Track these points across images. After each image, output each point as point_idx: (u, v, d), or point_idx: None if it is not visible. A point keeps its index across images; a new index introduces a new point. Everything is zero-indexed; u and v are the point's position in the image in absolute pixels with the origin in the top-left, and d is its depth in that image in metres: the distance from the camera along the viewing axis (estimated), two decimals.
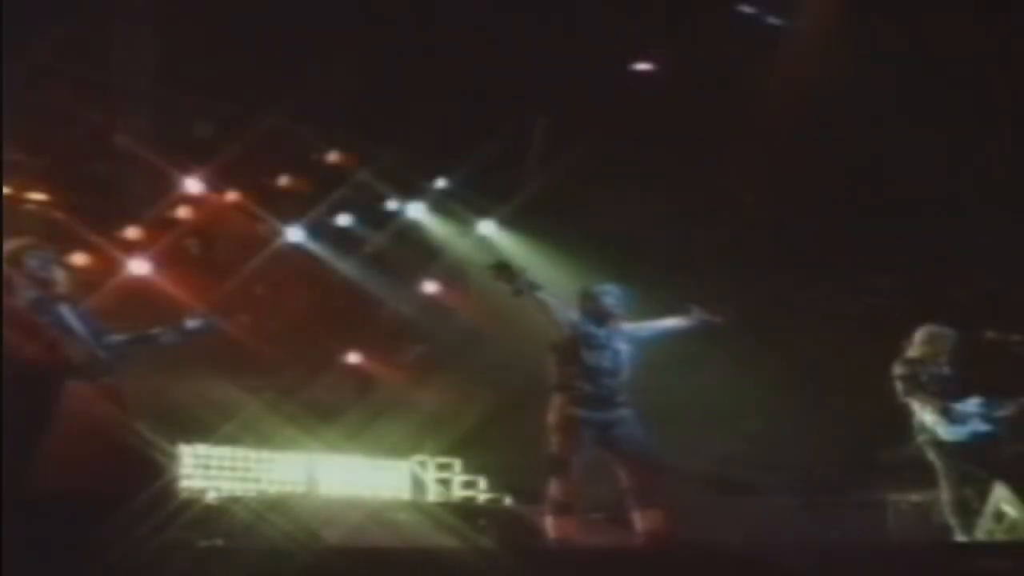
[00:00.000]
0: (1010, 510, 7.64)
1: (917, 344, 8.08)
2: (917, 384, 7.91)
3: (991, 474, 7.84)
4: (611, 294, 7.06)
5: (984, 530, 7.76)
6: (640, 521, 6.70)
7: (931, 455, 7.90)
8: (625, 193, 11.36)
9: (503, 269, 6.72)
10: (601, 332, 6.93)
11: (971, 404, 7.86)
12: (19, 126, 9.63)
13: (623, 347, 6.97)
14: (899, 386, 7.95)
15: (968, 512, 7.73)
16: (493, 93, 10.17)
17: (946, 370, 8.00)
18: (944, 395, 7.87)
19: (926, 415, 7.86)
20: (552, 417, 6.85)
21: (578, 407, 6.76)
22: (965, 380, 7.99)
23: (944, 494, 7.82)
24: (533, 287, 6.75)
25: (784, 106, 10.75)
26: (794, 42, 10.19)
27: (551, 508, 6.75)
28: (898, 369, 7.99)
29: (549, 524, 6.76)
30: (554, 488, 6.73)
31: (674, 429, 10.92)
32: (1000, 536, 7.59)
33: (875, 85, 10.03)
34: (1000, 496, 7.74)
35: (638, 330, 7.14)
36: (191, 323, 6.36)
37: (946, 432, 7.79)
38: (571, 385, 6.82)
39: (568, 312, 6.93)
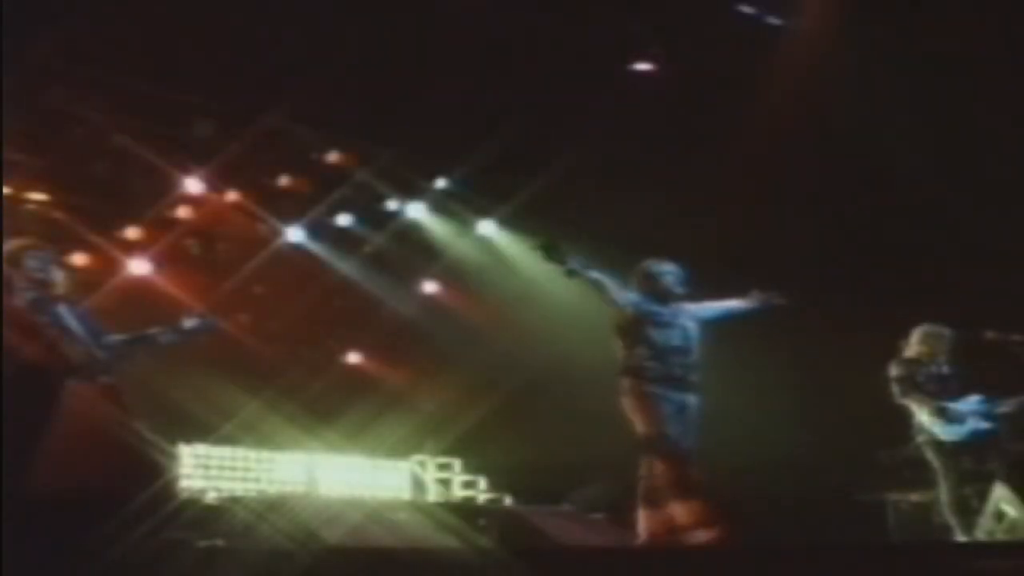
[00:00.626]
0: (1010, 510, 7.64)
1: (914, 344, 8.08)
2: (913, 384, 7.91)
3: (991, 474, 7.85)
4: (671, 272, 6.84)
5: (984, 530, 7.76)
6: (682, 516, 6.42)
7: (930, 455, 7.90)
8: (625, 193, 11.35)
9: (551, 249, 6.46)
10: (666, 310, 6.68)
11: (969, 403, 7.87)
12: (19, 126, 9.63)
13: (690, 325, 6.73)
14: (895, 387, 7.95)
15: (968, 512, 7.72)
16: (493, 93, 10.16)
17: (945, 370, 7.99)
18: (942, 395, 7.87)
19: (923, 415, 7.87)
20: (627, 401, 6.62)
21: (653, 385, 6.51)
22: (964, 379, 7.99)
23: (944, 494, 7.82)
24: (585, 266, 6.54)
25: (784, 106, 10.74)
26: (794, 42, 10.18)
27: (646, 496, 6.44)
28: (894, 370, 7.99)
29: (641, 514, 6.45)
30: (654, 470, 6.42)
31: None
32: (1000, 536, 7.59)
33: (875, 85, 10.02)
34: (1000, 496, 7.74)
35: (701, 310, 6.88)
36: (189, 323, 6.36)
37: (944, 432, 7.79)
38: (642, 366, 6.58)
39: (626, 292, 6.70)
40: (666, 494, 6.34)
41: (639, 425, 6.54)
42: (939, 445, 7.82)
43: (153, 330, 6.31)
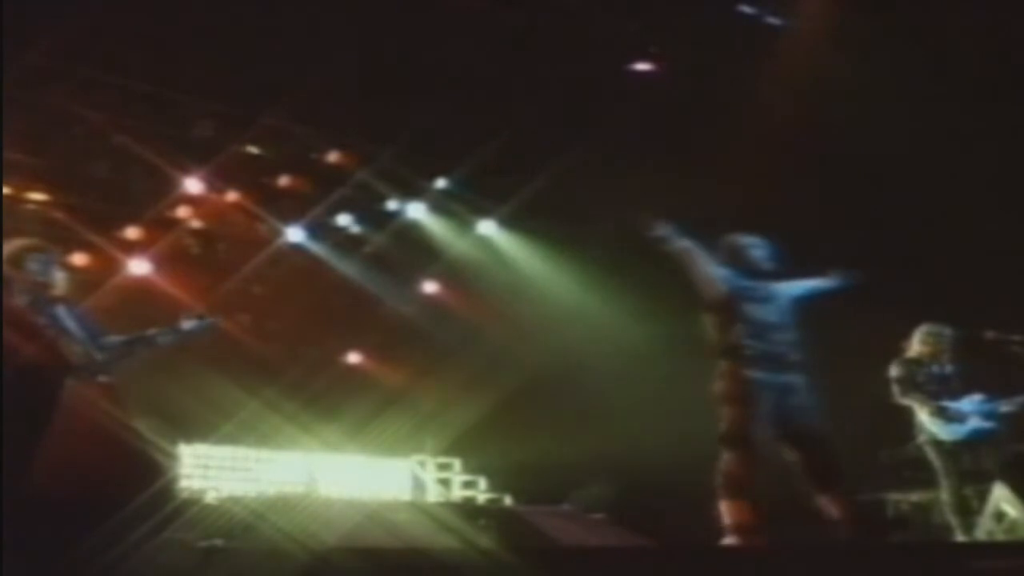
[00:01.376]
0: (1010, 510, 7.63)
1: (915, 344, 8.07)
2: (914, 384, 7.90)
3: (991, 473, 7.85)
4: (760, 246, 6.46)
5: (984, 530, 7.76)
6: (829, 507, 6.10)
7: (931, 455, 7.89)
8: (625, 193, 11.35)
9: (642, 216, 6.10)
10: (759, 285, 6.24)
11: (970, 403, 7.86)
12: (19, 126, 9.63)
13: (785, 301, 6.29)
14: (896, 387, 7.95)
15: (968, 512, 7.72)
16: (493, 93, 10.16)
17: (947, 369, 7.98)
18: (943, 394, 7.86)
19: (923, 415, 7.87)
20: (722, 386, 6.16)
21: (752, 369, 6.03)
22: (965, 379, 7.98)
23: (944, 494, 7.82)
24: (675, 234, 6.14)
25: (783, 105, 10.74)
26: (794, 42, 10.18)
27: (726, 489, 6.05)
28: (894, 370, 7.98)
29: (724, 507, 6.04)
30: (730, 464, 6.03)
31: (672, 428, 10.96)
32: (1000, 536, 7.59)
33: (874, 84, 10.02)
34: (1000, 496, 7.74)
35: (790, 287, 6.44)
36: (187, 323, 6.35)
37: (944, 431, 7.79)
38: (740, 345, 6.08)
39: (715, 267, 6.24)
40: (740, 486, 6.01)
41: (728, 414, 6.10)
42: (939, 444, 7.82)
43: (151, 331, 6.30)
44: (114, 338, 6.07)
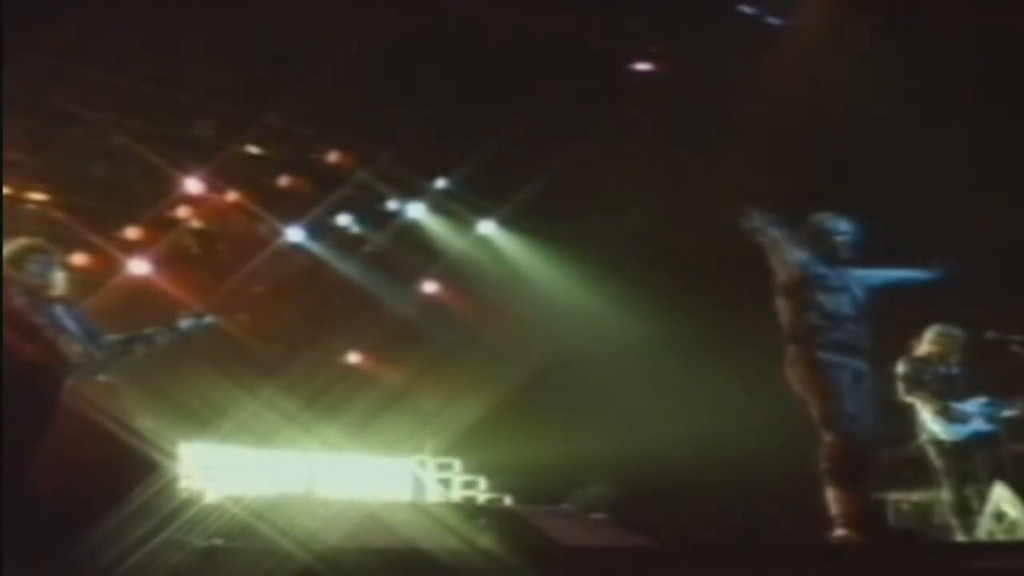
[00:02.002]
0: (1010, 510, 7.63)
1: (925, 343, 8.07)
2: (919, 383, 7.90)
3: (992, 474, 7.85)
4: (845, 232, 6.30)
5: (984, 530, 7.76)
6: (844, 503, 5.90)
7: (932, 454, 7.89)
8: (625, 193, 11.35)
9: (738, 208, 6.00)
10: (834, 273, 6.12)
11: (973, 404, 7.86)
12: (19, 126, 9.63)
13: (859, 291, 6.16)
14: (901, 384, 7.94)
15: (969, 512, 7.72)
16: (493, 93, 10.16)
17: (954, 370, 7.99)
18: (948, 394, 7.86)
19: (926, 414, 7.86)
20: (796, 371, 6.03)
21: (825, 352, 5.91)
22: (972, 381, 7.98)
23: (945, 494, 7.82)
24: (766, 223, 6.03)
25: (784, 105, 10.74)
26: (794, 42, 10.18)
27: (833, 476, 5.86)
28: (901, 367, 7.98)
29: (833, 496, 5.85)
30: (834, 449, 5.85)
31: (673, 428, 10.96)
32: (1000, 536, 7.59)
33: (874, 83, 10.02)
34: (1000, 496, 7.74)
35: (869, 276, 6.30)
36: (186, 322, 6.34)
37: (946, 431, 7.79)
38: (811, 332, 5.97)
39: (795, 251, 6.12)
40: (847, 473, 5.82)
41: (813, 400, 5.94)
42: (941, 444, 7.82)
43: (150, 330, 6.29)
44: (112, 337, 6.07)
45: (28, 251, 5.97)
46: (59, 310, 5.89)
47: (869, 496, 6.07)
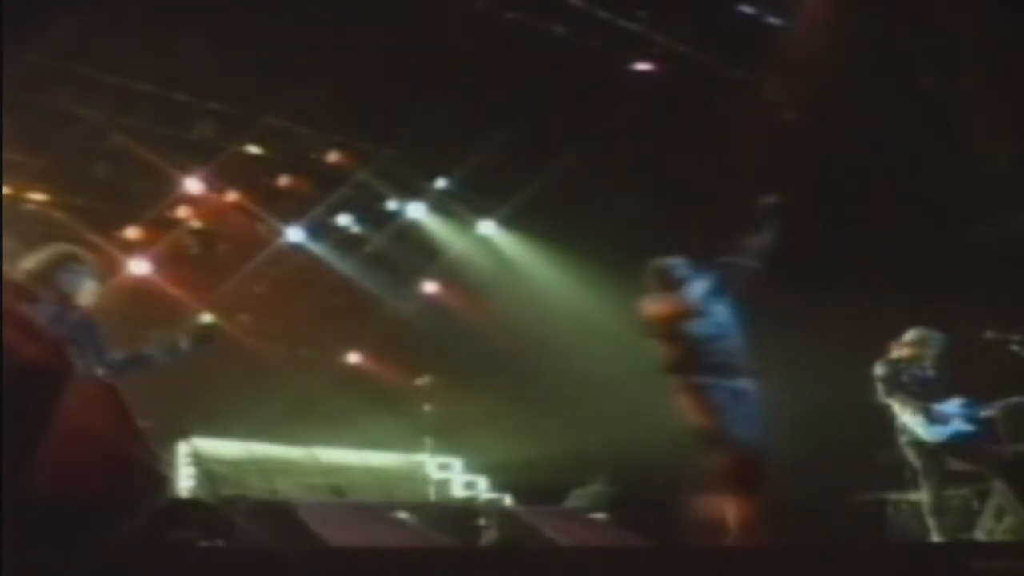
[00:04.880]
0: (1010, 510, 7.65)
1: (904, 345, 8.12)
2: (898, 385, 7.96)
3: (972, 476, 7.88)
4: (679, 265, 6.78)
5: (984, 530, 7.77)
6: (743, 510, 6.25)
7: (912, 456, 7.93)
8: (625, 193, 11.35)
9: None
10: (689, 302, 6.59)
11: (952, 405, 7.89)
12: (19, 126, 9.63)
13: (717, 309, 6.60)
14: (880, 386, 8.01)
15: (947, 513, 7.76)
16: (493, 93, 10.16)
17: (929, 373, 8.04)
18: (926, 396, 7.90)
19: (906, 415, 7.90)
20: (679, 398, 6.47)
21: (698, 376, 6.37)
22: (948, 384, 8.02)
23: (925, 495, 7.84)
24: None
25: (783, 105, 10.74)
26: (794, 42, 10.18)
27: (731, 486, 6.25)
28: (879, 370, 8.04)
29: (729, 505, 6.24)
30: (723, 463, 6.24)
31: (673, 428, 10.95)
32: (1000, 536, 7.60)
33: (874, 83, 10.03)
34: (1000, 496, 7.75)
35: (708, 285, 6.68)
36: (184, 344, 6.32)
37: (926, 432, 7.81)
38: (681, 362, 6.46)
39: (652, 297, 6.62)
40: (727, 484, 6.23)
41: (698, 421, 6.36)
42: (921, 446, 7.85)
43: (149, 350, 6.28)
44: (115, 356, 6.07)
45: (65, 258, 5.95)
46: (76, 320, 5.89)
47: (767, 501, 6.32)
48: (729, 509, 6.24)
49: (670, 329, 6.53)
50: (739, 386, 6.41)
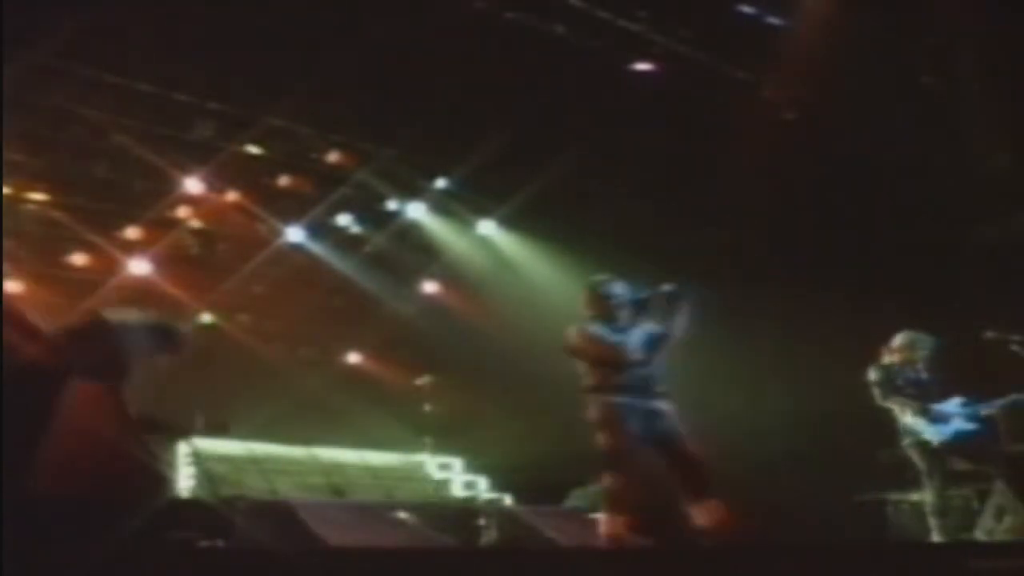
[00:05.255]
0: (1010, 510, 7.64)
1: (895, 349, 8.14)
2: (893, 388, 7.98)
3: (975, 475, 7.88)
4: (617, 292, 6.96)
5: (984, 530, 7.76)
6: (700, 515, 6.49)
7: (915, 457, 7.93)
8: (625, 193, 11.35)
9: None
10: (615, 327, 6.84)
11: (952, 404, 7.90)
12: (19, 126, 9.63)
13: (642, 338, 6.80)
14: (876, 391, 8.02)
15: (950, 514, 7.77)
16: (493, 93, 10.16)
17: (924, 375, 8.05)
18: (923, 398, 7.92)
19: (907, 417, 7.90)
20: (591, 415, 6.70)
21: (616, 396, 6.62)
22: (945, 384, 8.04)
23: (928, 495, 7.84)
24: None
25: (783, 105, 10.74)
26: (794, 42, 10.18)
27: (606, 504, 6.57)
28: (873, 374, 8.07)
29: (601, 519, 6.58)
30: (610, 483, 6.55)
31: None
32: (1000, 536, 7.60)
33: (873, 83, 10.03)
34: (1000, 496, 7.75)
35: (643, 329, 6.90)
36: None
37: (929, 432, 7.81)
38: (601, 384, 6.71)
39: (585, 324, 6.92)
40: (625, 502, 6.53)
41: (602, 438, 6.64)
42: (924, 446, 7.85)
43: None
44: None
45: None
46: None
47: (666, 511, 6.76)
48: (603, 522, 6.53)
49: (595, 357, 6.77)
50: (655, 407, 6.64)
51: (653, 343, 6.77)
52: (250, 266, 11.79)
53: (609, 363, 6.67)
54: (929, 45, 10.20)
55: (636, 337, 6.78)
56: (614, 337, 6.77)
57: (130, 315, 5.99)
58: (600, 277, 7.08)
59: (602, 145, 10.68)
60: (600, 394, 6.68)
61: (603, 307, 6.88)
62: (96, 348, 5.59)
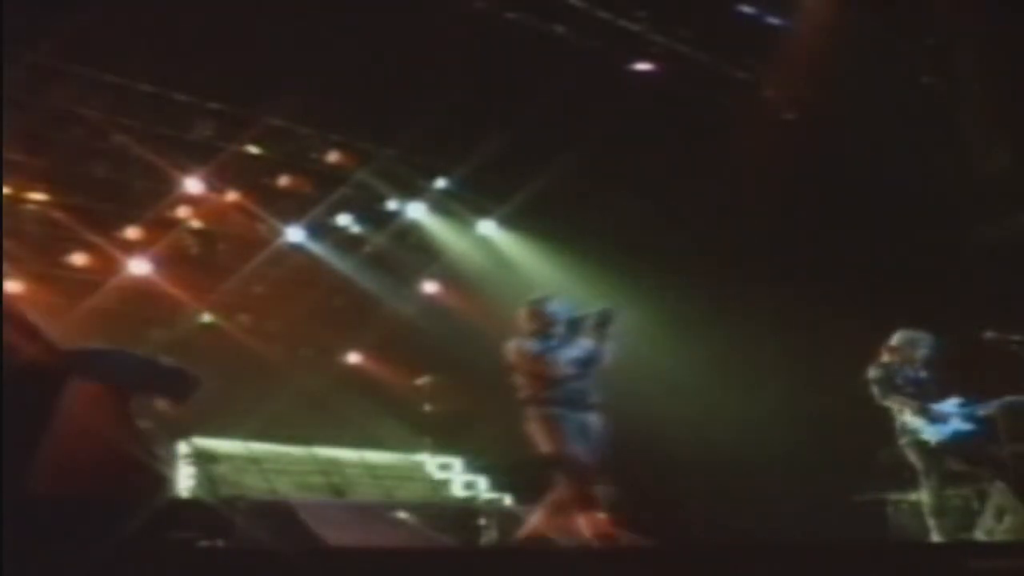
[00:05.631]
0: (1010, 510, 7.64)
1: (894, 348, 8.14)
2: (893, 387, 7.98)
3: (973, 475, 7.88)
4: (556, 310, 7.30)
5: (984, 530, 7.76)
6: (586, 526, 6.93)
7: (913, 456, 7.93)
8: (625, 193, 11.35)
9: None
10: (551, 344, 7.19)
11: (951, 404, 7.90)
12: (19, 126, 9.63)
13: (578, 354, 7.17)
14: (875, 389, 8.03)
15: (948, 513, 7.77)
16: (493, 93, 10.16)
17: (922, 374, 8.05)
18: (921, 397, 7.92)
19: (906, 416, 7.90)
20: (531, 426, 7.09)
21: (552, 408, 7.02)
22: (941, 383, 8.04)
23: (925, 495, 7.84)
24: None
25: (783, 106, 10.74)
26: (794, 42, 10.18)
27: (551, 507, 6.94)
28: (872, 373, 8.07)
29: (537, 514, 6.97)
30: (565, 489, 6.91)
31: (673, 428, 10.96)
32: (1000, 536, 7.60)
33: (873, 83, 10.03)
34: (1000, 496, 7.75)
35: (577, 345, 7.27)
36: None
37: (928, 432, 7.81)
38: (539, 396, 7.09)
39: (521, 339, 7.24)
40: (569, 506, 6.92)
41: (542, 446, 7.01)
42: (923, 445, 7.86)
43: None
44: None
45: None
46: None
47: (599, 518, 6.99)
48: (597, 524, 6.89)
49: (531, 371, 7.12)
50: (586, 420, 7.03)
51: (585, 360, 7.12)
52: (250, 266, 11.78)
53: (542, 377, 7.04)
54: (929, 45, 10.20)
55: (569, 353, 7.13)
56: (548, 353, 7.12)
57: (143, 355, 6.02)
58: (538, 295, 7.47)
59: (602, 145, 10.68)
60: (535, 406, 7.04)
61: (539, 324, 7.23)
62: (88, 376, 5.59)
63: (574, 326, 7.28)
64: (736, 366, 11.02)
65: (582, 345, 7.19)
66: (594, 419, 7.08)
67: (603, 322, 7.18)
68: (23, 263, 10.59)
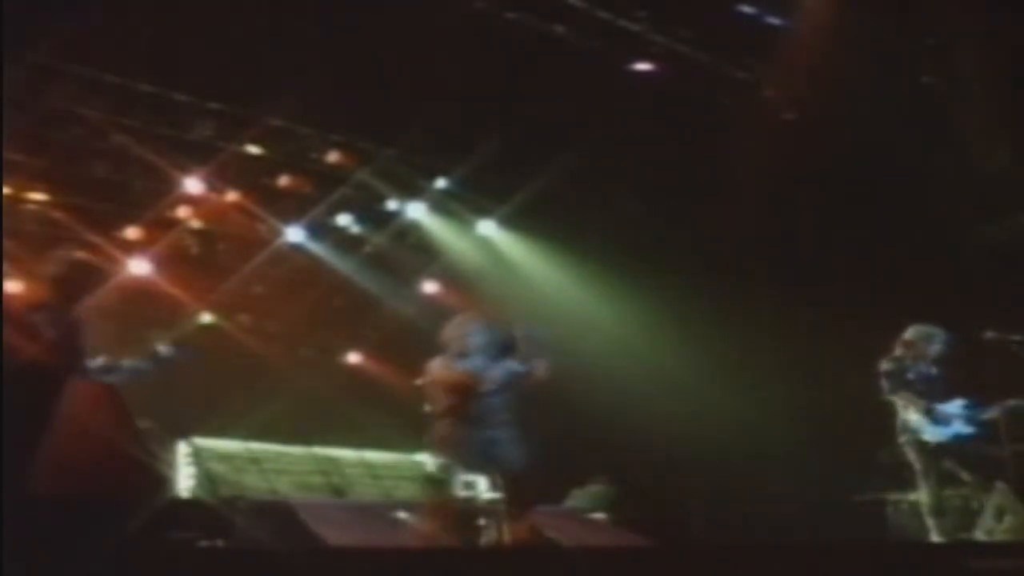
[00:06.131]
0: (1010, 510, 7.64)
1: (907, 342, 8.10)
2: (903, 382, 7.94)
3: (977, 475, 7.88)
4: (473, 333, 7.57)
5: (984, 530, 7.76)
6: (507, 532, 7.27)
7: (912, 455, 7.92)
8: (625, 193, 11.35)
9: None
10: (467, 363, 7.43)
11: (955, 406, 7.88)
12: (19, 126, 9.62)
13: (493, 375, 7.36)
14: (884, 383, 7.98)
15: (946, 514, 7.76)
16: (493, 93, 10.15)
17: (933, 370, 8.02)
18: (929, 395, 7.89)
19: (909, 414, 7.88)
20: (435, 440, 7.40)
21: (459, 427, 7.26)
22: (951, 381, 8.02)
23: (923, 495, 7.84)
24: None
25: (783, 105, 10.74)
26: (794, 41, 10.18)
27: (428, 514, 7.38)
28: (884, 365, 8.02)
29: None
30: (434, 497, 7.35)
31: (673, 428, 10.96)
32: (1000, 536, 7.59)
33: (874, 83, 10.03)
34: (1000, 496, 7.75)
35: (495, 366, 7.46)
36: (165, 350, 6.34)
37: (929, 432, 7.80)
38: (446, 410, 7.35)
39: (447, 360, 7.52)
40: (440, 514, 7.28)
41: (442, 455, 7.35)
42: (922, 445, 7.84)
43: (126, 361, 6.31)
44: (94, 362, 6.09)
45: (80, 265, 6.02)
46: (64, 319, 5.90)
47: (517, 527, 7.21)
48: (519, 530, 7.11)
49: (450, 388, 7.37)
50: (491, 436, 7.23)
51: (508, 379, 7.35)
52: (250, 266, 11.79)
53: (459, 391, 7.27)
54: (929, 45, 10.19)
55: (491, 371, 7.36)
56: (467, 370, 7.36)
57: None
58: (466, 315, 7.81)
59: (602, 145, 10.68)
60: (444, 419, 7.30)
61: (462, 343, 7.50)
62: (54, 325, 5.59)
63: (503, 348, 7.52)
64: (736, 366, 11.02)
65: (508, 366, 7.40)
66: (501, 435, 7.24)
67: (527, 344, 7.46)
68: (23, 263, 10.59)
